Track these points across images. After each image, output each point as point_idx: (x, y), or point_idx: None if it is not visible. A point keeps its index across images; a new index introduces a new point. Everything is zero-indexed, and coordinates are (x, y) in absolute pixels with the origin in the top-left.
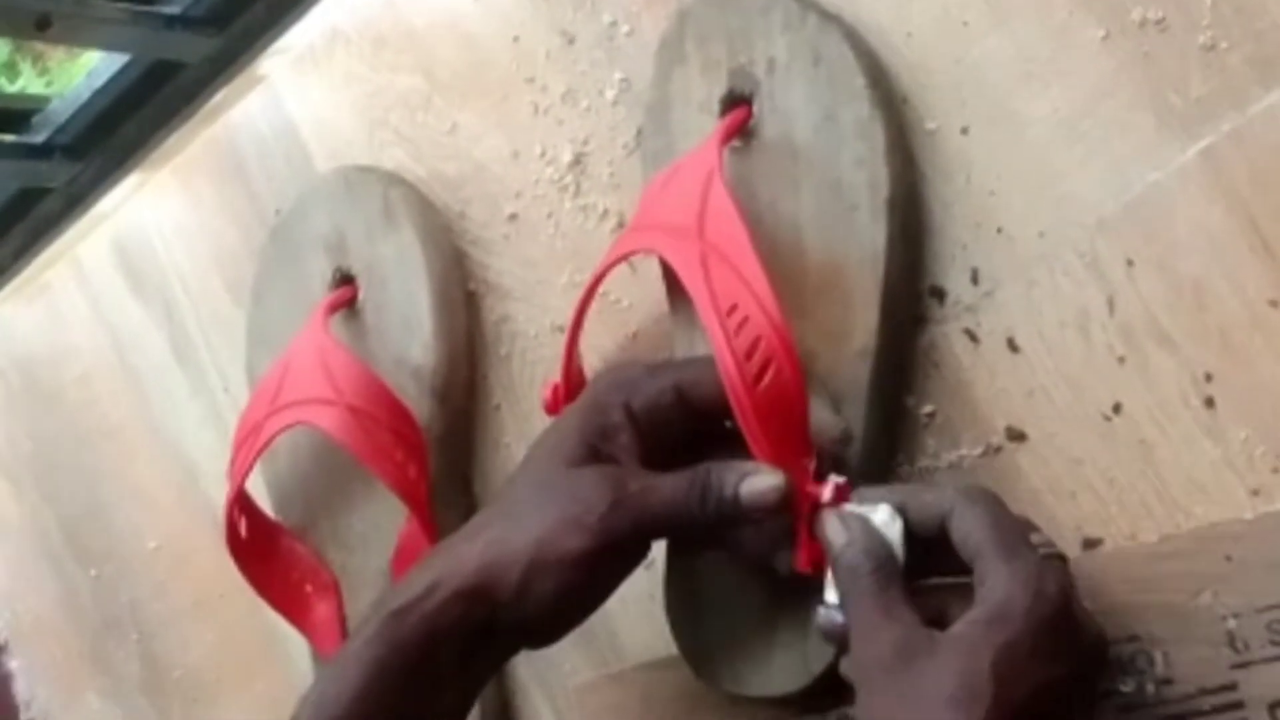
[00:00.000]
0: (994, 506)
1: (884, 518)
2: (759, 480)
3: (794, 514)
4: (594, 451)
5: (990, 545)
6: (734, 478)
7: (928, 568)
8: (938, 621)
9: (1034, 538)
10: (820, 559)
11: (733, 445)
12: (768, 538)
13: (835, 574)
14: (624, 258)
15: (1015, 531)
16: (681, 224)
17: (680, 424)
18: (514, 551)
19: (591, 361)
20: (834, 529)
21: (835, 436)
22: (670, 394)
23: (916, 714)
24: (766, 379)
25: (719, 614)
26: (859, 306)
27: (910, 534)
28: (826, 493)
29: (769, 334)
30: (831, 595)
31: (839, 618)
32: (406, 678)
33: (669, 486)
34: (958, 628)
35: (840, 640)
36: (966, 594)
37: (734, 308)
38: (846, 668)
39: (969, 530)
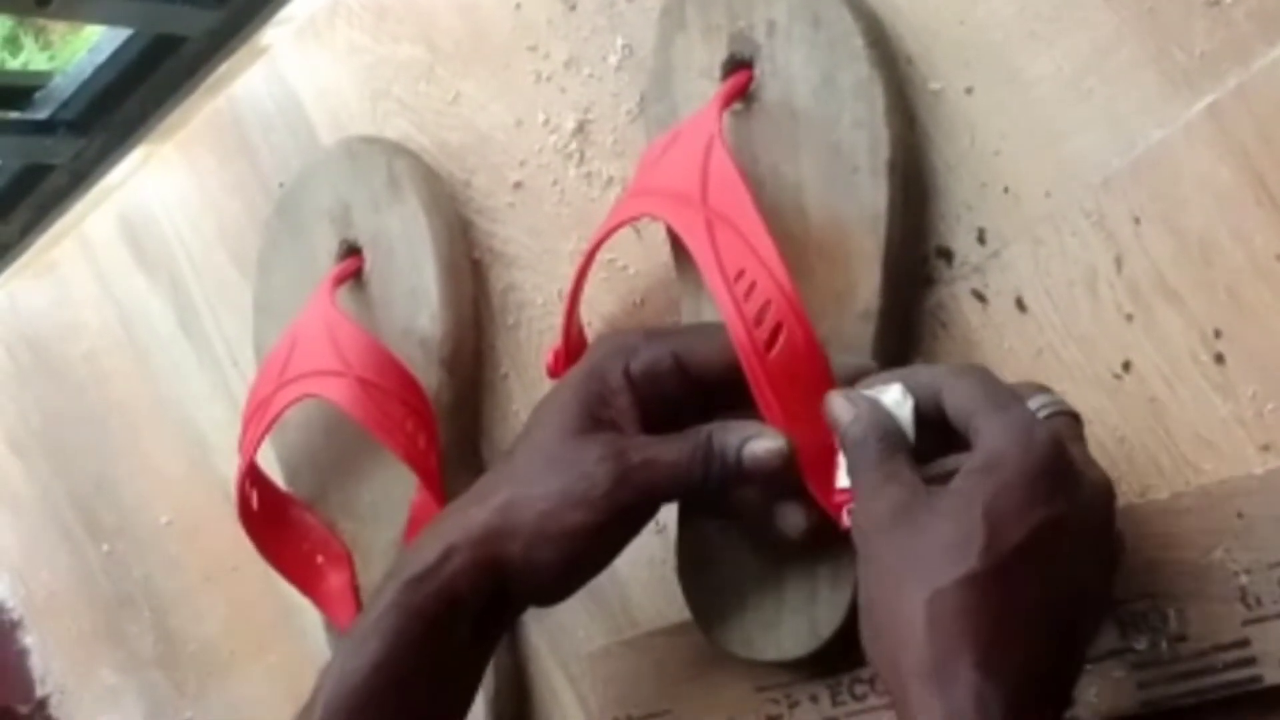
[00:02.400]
0: (983, 374)
1: (895, 397)
2: (761, 443)
3: (803, 476)
4: (594, 418)
5: (980, 404)
6: (736, 440)
7: (928, 457)
8: None
9: (1041, 398)
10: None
11: (735, 409)
12: (772, 500)
13: (845, 453)
14: (625, 223)
15: (1004, 391)
16: (684, 190)
17: (679, 389)
18: (518, 524)
19: (598, 328)
20: (840, 407)
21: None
22: (668, 359)
23: (913, 567)
24: (779, 344)
25: (730, 579)
26: (861, 268)
27: (923, 423)
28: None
29: (778, 298)
30: (842, 479)
31: (846, 486)
32: (425, 645)
33: (671, 454)
34: (953, 484)
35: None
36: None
37: (741, 273)
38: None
39: (961, 398)
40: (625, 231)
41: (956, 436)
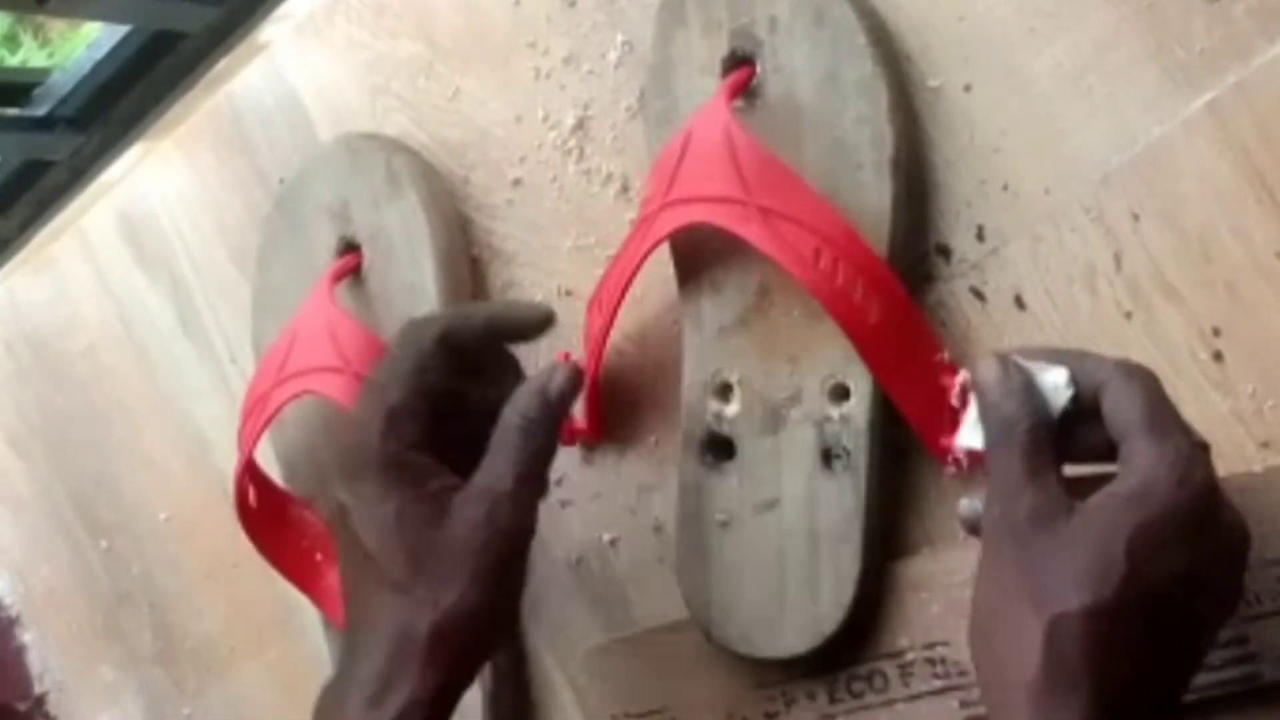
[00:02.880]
0: (1151, 384)
1: (1057, 382)
2: (555, 378)
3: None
4: (426, 501)
5: (1142, 423)
6: (535, 390)
7: (1069, 446)
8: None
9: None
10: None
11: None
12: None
13: (985, 421)
14: (667, 237)
15: (1169, 412)
16: (723, 191)
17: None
18: (465, 629)
19: None
20: (990, 370)
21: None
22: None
23: (1042, 581)
24: (875, 312)
25: (729, 577)
26: None
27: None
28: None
29: (864, 266)
30: (967, 438)
31: (965, 445)
32: None
33: (511, 453)
34: (1098, 500)
35: (967, 524)
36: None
37: (817, 254)
38: (968, 510)
39: (1123, 405)
40: (625, 229)
41: (1093, 430)
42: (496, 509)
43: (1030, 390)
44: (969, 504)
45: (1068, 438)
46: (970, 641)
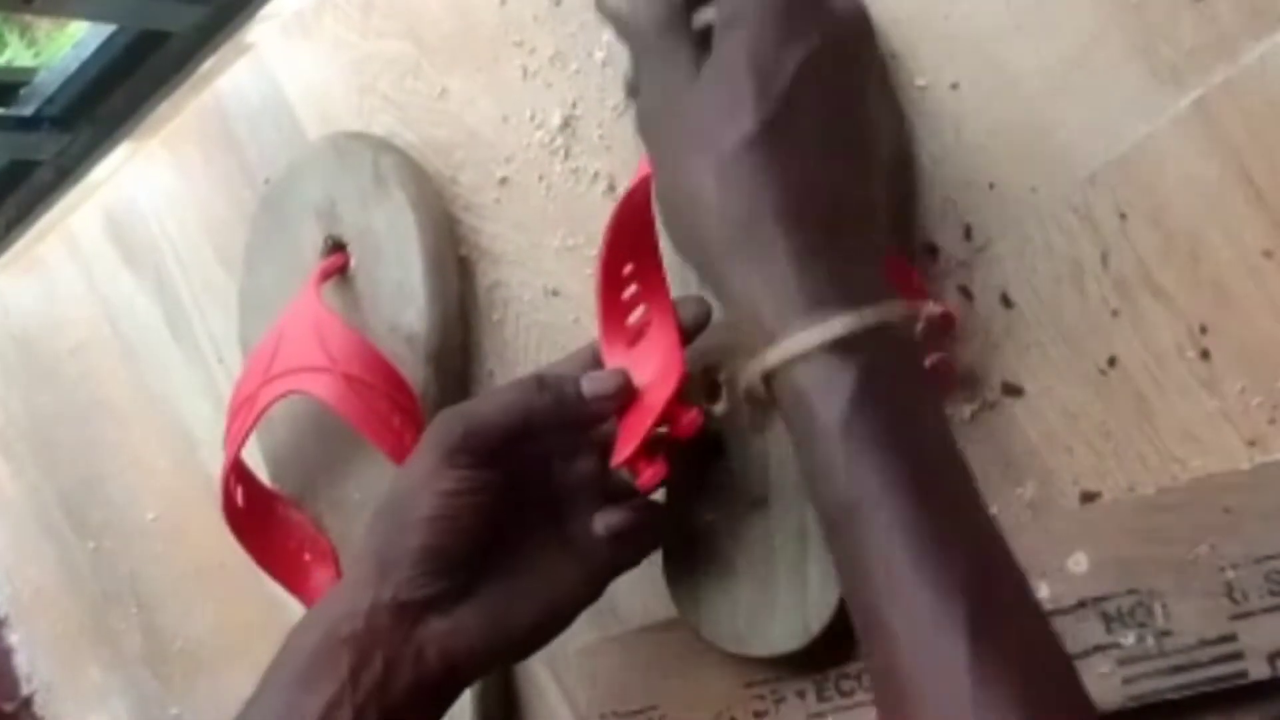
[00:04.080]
0: None
1: None
2: (599, 374)
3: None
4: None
5: None
6: (571, 374)
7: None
8: None
9: None
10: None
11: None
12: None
13: (630, 49)
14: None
15: None
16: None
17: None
18: (376, 516)
19: (589, 326)
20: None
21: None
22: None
23: (694, 141)
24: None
25: (718, 575)
26: None
27: None
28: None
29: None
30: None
31: None
32: (298, 693)
33: (509, 389)
34: (713, 47)
35: None
36: None
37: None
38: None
39: None
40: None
41: None
42: (455, 420)
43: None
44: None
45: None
46: (671, 240)
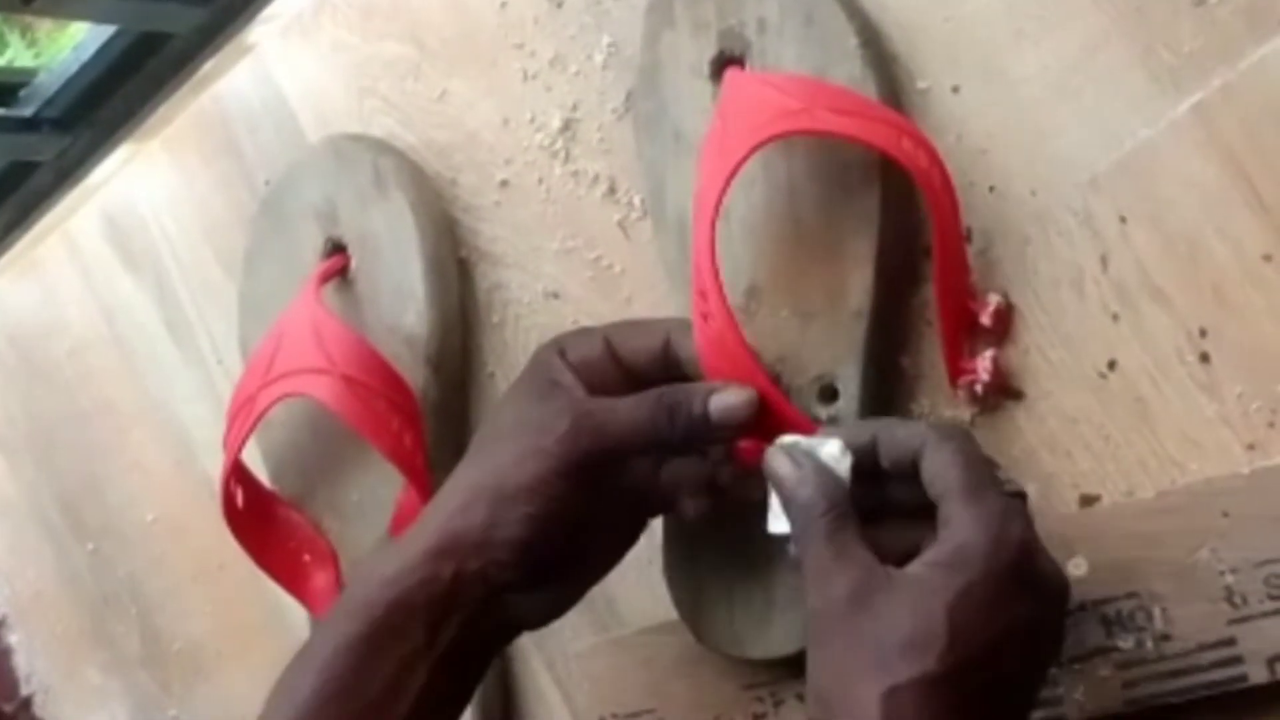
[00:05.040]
0: (965, 445)
1: (833, 452)
2: (729, 394)
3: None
4: (542, 390)
5: (956, 486)
6: (701, 394)
7: (887, 502)
8: (898, 560)
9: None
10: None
11: None
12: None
13: (786, 510)
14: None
15: (983, 473)
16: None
17: (616, 379)
18: (477, 489)
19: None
20: (781, 464)
21: None
22: (600, 345)
23: (870, 656)
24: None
25: (717, 578)
26: (854, 267)
27: (870, 469)
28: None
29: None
30: (775, 526)
31: (775, 532)
32: (371, 650)
33: (631, 405)
34: (915, 569)
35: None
36: (928, 530)
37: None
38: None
39: (938, 469)
40: (612, 231)
41: (913, 485)
42: (570, 414)
43: (820, 473)
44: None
45: (868, 500)
46: (812, 713)
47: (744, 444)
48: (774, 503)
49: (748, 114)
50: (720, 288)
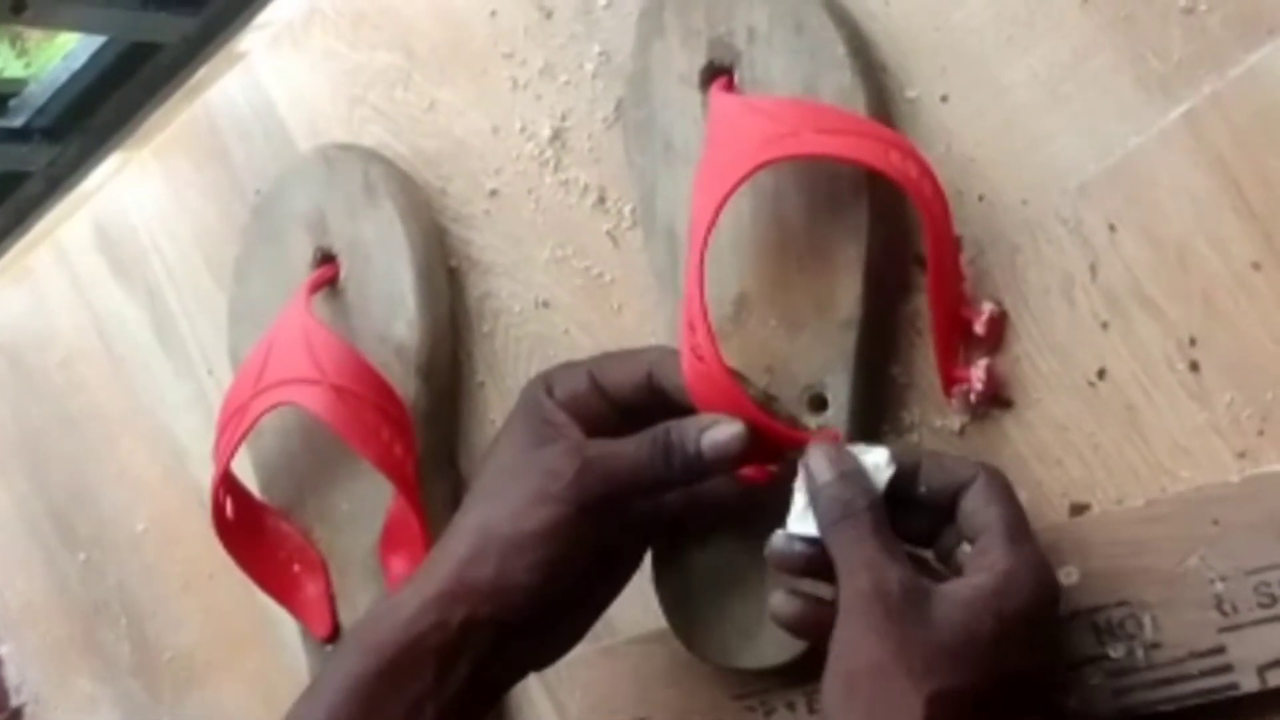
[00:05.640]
0: (1011, 489)
1: (879, 461)
2: (719, 431)
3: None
4: (542, 436)
5: (1003, 523)
6: (694, 432)
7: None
8: None
9: None
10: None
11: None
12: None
13: (819, 506)
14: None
15: (1026, 521)
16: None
17: (603, 410)
18: (486, 535)
19: (579, 338)
20: (821, 461)
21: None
22: (585, 380)
23: (913, 660)
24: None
25: (708, 588)
26: (843, 276)
27: (899, 494)
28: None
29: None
30: (797, 526)
31: (799, 548)
32: (381, 690)
33: (630, 447)
34: (957, 588)
35: (791, 569)
36: (928, 567)
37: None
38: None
39: (984, 505)
40: (602, 239)
41: (919, 516)
42: (572, 458)
43: (863, 473)
44: (785, 539)
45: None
46: (831, 695)
47: (746, 472)
48: (798, 502)
49: (736, 142)
50: (709, 325)
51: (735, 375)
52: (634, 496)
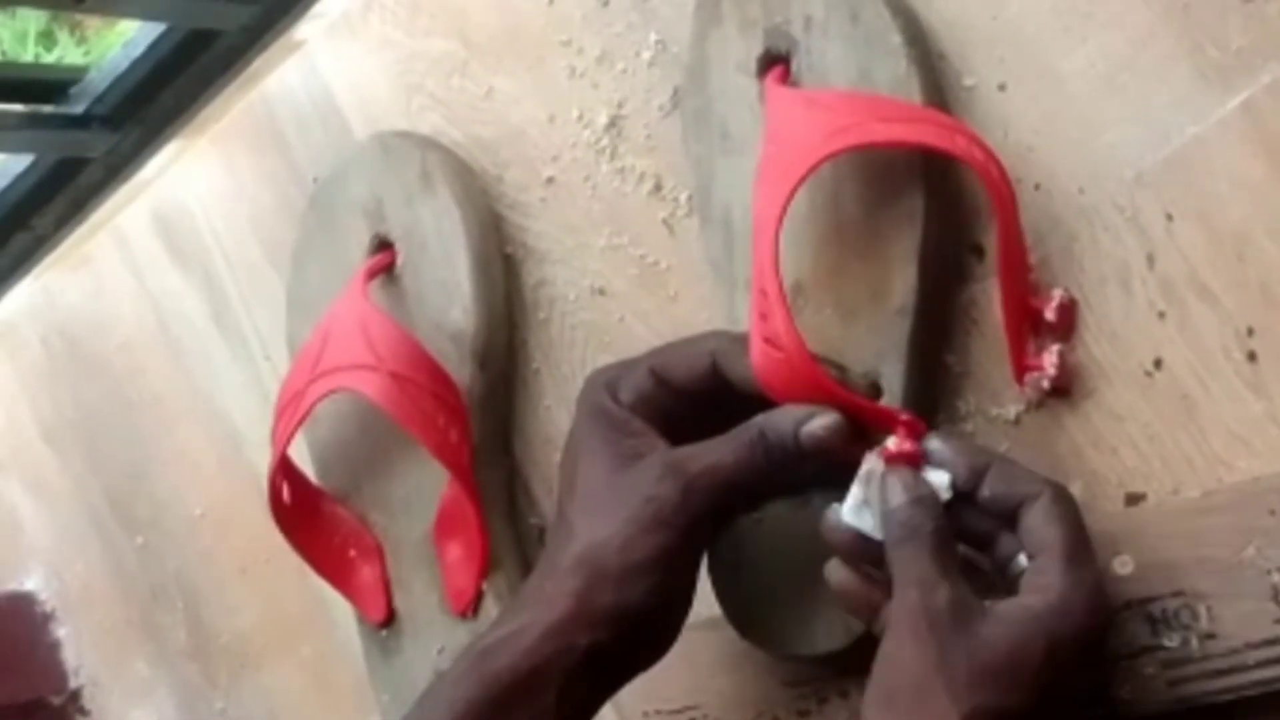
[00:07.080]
0: (1076, 510)
1: (941, 484)
2: (817, 424)
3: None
4: (623, 451)
5: (1064, 546)
6: (789, 425)
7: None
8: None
9: None
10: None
11: (730, 411)
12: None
13: (888, 525)
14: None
15: (1088, 541)
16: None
17: (669, 405)
18: (599, 567)
19: (634, 325)
20: (897, 486)
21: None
22: (647, 377)
23: (957, 677)
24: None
25: (761, 575)
26: (898, 265)
27: (986, 510)
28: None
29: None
30: (852, 518)
31: (852, 537)
32: (500, 711)
33: (728, 453)
34: (1009, 608)
35: (842, 554)
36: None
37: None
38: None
39: (1046, 523)
40: (658, 227)
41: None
42: (675, 480)
43: (934, 498)
44: (837, 517)
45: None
46: (871, 707)
47: None
48: (855, 494)
49: (799, 135)
50: (788, 313)
51: (816, 360)
52: (738, 502)
